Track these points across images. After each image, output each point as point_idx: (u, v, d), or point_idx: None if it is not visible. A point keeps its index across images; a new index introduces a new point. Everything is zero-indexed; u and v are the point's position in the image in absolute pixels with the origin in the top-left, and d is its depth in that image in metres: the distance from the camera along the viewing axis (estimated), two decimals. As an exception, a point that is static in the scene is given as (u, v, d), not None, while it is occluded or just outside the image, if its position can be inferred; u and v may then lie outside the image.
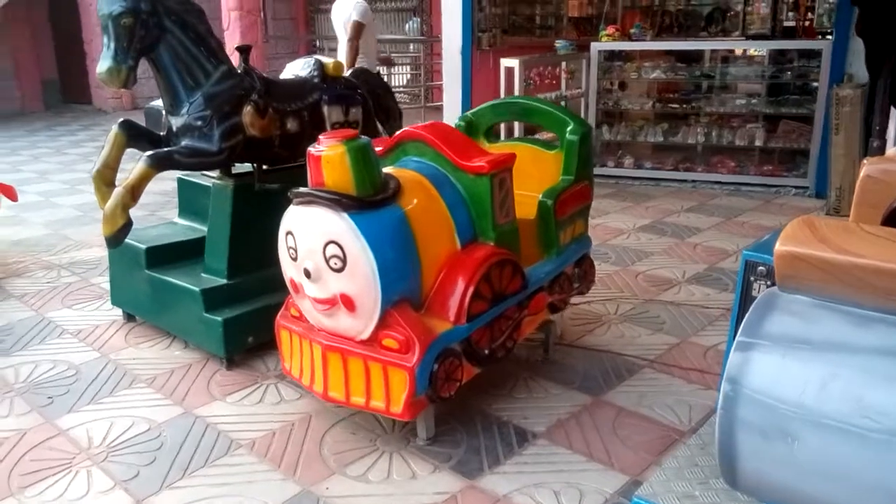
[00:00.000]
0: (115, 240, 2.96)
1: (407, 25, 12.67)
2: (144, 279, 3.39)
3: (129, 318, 3.66)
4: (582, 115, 6.70)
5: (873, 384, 1.30)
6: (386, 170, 2.53)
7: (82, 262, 4.63)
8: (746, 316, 1.50)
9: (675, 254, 4.56)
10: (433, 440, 2.56)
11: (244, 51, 3.31)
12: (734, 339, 1.46)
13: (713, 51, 6.73)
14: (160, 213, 5.57)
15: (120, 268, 3.58)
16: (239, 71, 3.16)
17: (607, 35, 6.58)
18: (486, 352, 2.59)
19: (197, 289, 3.14)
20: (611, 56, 6.66)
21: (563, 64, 6.61)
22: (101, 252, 4.77)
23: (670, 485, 1.88)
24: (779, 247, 1.47)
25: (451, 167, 2.61)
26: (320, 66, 3.50)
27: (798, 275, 1.46)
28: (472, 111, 3.39)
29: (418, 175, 2.58)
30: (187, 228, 3.66)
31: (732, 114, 6.52)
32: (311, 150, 2.37)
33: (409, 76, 12.07)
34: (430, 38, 11.34)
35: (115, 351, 3.35)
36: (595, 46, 6.45)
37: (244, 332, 3.14)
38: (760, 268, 2.20)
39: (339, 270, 2.29)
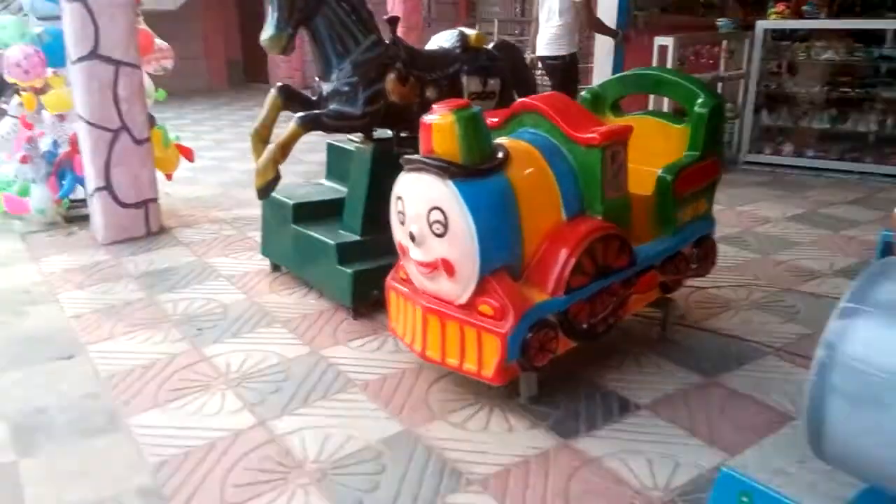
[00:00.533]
0: (265, 192, 3.26)
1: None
2: (290, 233, 3.69)
3: (276, 268, 4.00)
4: (740, 98, 6.34)
5: (976, 356, 1.20)
6: (500, 140, 2.58)
7: (243, 218, 5.09)
8: (855, 282, 1.43)
9: (824, 245, 4.24)
10: (535, 400, 2.61)
11: (393, 22, 3.48)
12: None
13: (897, 31, 6.10)
14: (317, 178, 5.95)
15: (270, 222, 3.92)
16: (387, 41, 3.34)
17: (776, 13, 6.16)
18: (585, 326, 2.58)
19: (333, 242, 3.37)
20: (779, 36, 6.23)
21: (724, 43, 6.27)
22: (259, 211, 5.22)
23: (765, 460, 1.81)
24: None
25: (563, 138, 2.61)
26: (463, 37, 3.62)
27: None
28: (599, 83, 3.33)
29: (530, 146, 2.60)
30: (332, 189, 3.92)
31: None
32: (424, 118, 2.45)
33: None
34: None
35: (259, 295, 3.68)
36: (761, 25, 6.06)
37: (370, 286, 3.32)
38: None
39: (441, 235, 2.37)
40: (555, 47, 5.82)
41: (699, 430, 2.43)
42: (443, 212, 2.35)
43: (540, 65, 6.01)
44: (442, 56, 3.57)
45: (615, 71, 6.70)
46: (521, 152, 2.55)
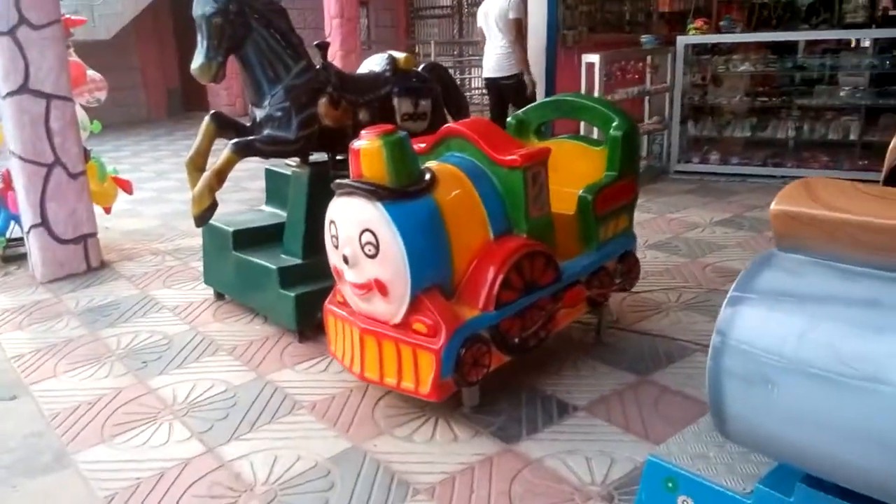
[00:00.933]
0: (202, 219, 3.29)
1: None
2: (232, 260, 3.72)
3: (219, 296, 4.01)
4: (666, 110, 6.62)
5: (852, 333, 1.34)
6: (427, 164, 2.68)
7: (185, 248, 5.08)
8: (741, 274, 1.56)
9: (749, 247, 4.47)
10: (478, 409, 2.70)
11: (323, 48, 3.57)
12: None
13: (809, 42, 6.48)
14: (259, 205, 5.97)
15: (211, 250, 3.94)
16: (317, 66, 3.43)
17: (695, 28, 6.48)
18: (516, 340, 2.67)
19: (274, 267, 3.42)
20: (701, 50, 6.55)
21: (648, 59, 6.56)
22: (202, 240, 5.22)
23: (686, 446, 1.94)
24: (773, 206, 1.52)
25: (487, 161, 2.72)
26: (392, 60, 3.73)
27: (792, 233, 1.51)
28: (522, 110, 3.49)
29: (456, 169, 2.70)
30: (272, 214, 3.96)
31: (827, 107, 6.26)
32: (353, 144, 2.53)
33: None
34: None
35: (203, 324, 3.69)
36: (681, 40, 6.37)
37: (315, 308, 3.36)
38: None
39: (373, 257, 2.44)
40: (505, 67, 5.97)
41: (633, 426, 2.56)
42: (373, 233, 2.43)
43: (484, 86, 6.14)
44: (372, 79, 3.67)
45: (547, 88, 6.95)
46: (447, 175, 2.65)
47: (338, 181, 2.57)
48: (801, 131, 6.19)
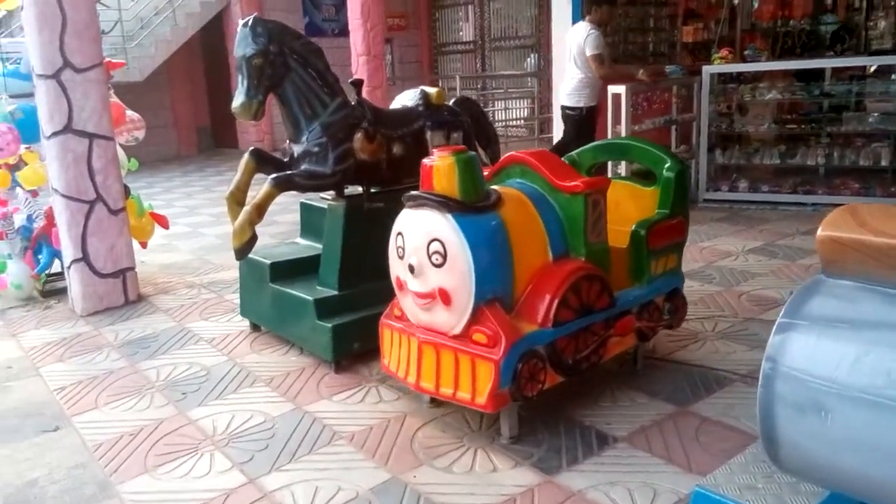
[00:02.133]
0: (243, 252, 3.36)
1: (527, 62, 13.00)
2: (268, 292, 3.77)
3: (255, 328, 4.07)
4: (693, 138, 6.64)
5: (905, 359, 1.33)
6: (491, 187, 2.77)
7: (220, 281, 5.16)
8: (789, 300, 1.57)
9: (783, 275, 4.43)
10: (516, 440, 2.70)
11: (357, 84, 3.66)
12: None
13: (836, 69, 6.48)
14: (293, 238, 6.04)
15: (248, 282, 4.00)
16: (352, 102, 3.51)
17: (720, 58, 6.51)
18: (570, 361, 2.72)
19: (311, 298, 3.46)
20: (725, 79, 6.58)
21: (674, 88, 6.60)
22: (237, 273, 5.27)
23: (734, 477, 1.92)
24: (820, 232, 1.53)
25: (548, 187, 2.84)
26: (425, 95, 3.80)
27: (839, 259, 1.52)
28: (575, 152, 3.55)
29: (518, 192, 2.82)
30: (307, 247, 4.02)
31: (857, 133, 6.23)
32: (426, 161, 2.66)
33: (526, 110, 12.33)
34: (550, 72, 11.56)
35: (240, 356, 3.74)
36: (707, 69, 6.40)
37: (351, 339, 3.42)
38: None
39: (440, 266, 2.53)
40: (574, 98, 6.18)
41: (675, 457, 2.54)
42: (442, 242, 2.52)
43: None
44: (405, 114, 3.75)
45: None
46: (511, 197, 2.76)
47: (409, 193, 2.67)
48: (830, 158, 6.16)
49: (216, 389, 3.36)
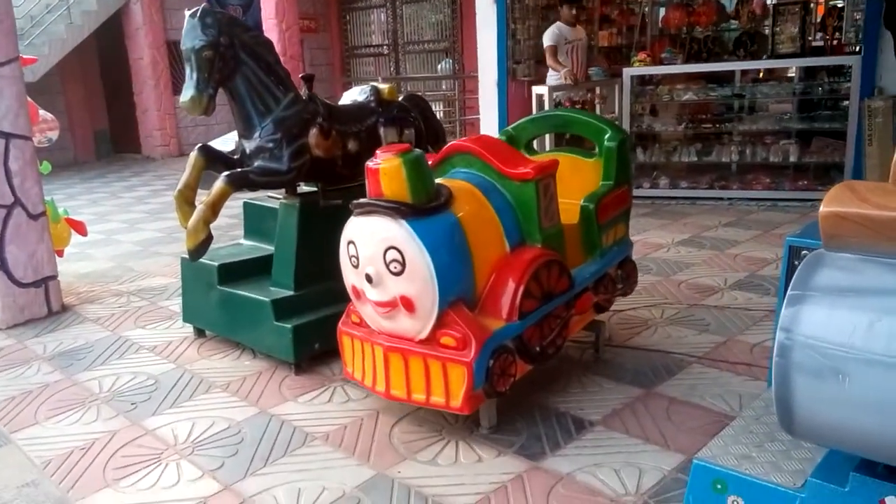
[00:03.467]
0: (198, 253, 3.21)
1: (439, 66, 13.09)
2: (216, 295, 3.62)
3: (200, 333, 3.89)
4: (616, 138, 6.88)
5: (916, 321, 1.44)
6: (437, 181, 2.71)
7: (148, 288, 4.90)
8: (795, 274, 1.65)
9: (715, 264, 4.67)
10: (495, 429, 2.71)
11: (309, 79, 3.57)
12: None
13: (744, 72, 6.89)
14: (231, 233, 5.79)
15: (192, 286, 3.82)
16: (304, 97, 3.43)
17: (639, 61, 6.79)
18: (538, 349, 2.73)
19: (267, 300, 3.35)
20: (643, 81, 6.87)
21: (596, 90, 6.83)
22: (165, 280, 5.07)
23: (728, 448, 2.00)
24: (823, 208, 1.62)
25: (497, 175, 2.78)
26: (376, 91, 3.76)
27: (841, 233, 1.61)
28: (512, 126, 3.56)
29: (467, 184, 2.75)
30: (252, 248, 3.89)
31: (765, 131, 6.65)
32: (370, 163, 2.54)
33: (441, 112, 12.41)
34: (464, 76, 11.70)
35: (189, 362, 3.57)
36: (627, 72, 6.67)
37: (311, 339, 3.33)
38: (804, 252, 2.34)
39: (399, 274, 2.45)
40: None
41: (652, 437, 2.62)
42: (399, 251, 2.43)
43: None
44: (359, 109, 3.69)
45: (500, 120, 7.12)
46: (460, 190, 2.69)
47: (357, 200, 2.56)
48: (743, 155, 6.54)
49: (169, 398, 3.19)
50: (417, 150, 2.56)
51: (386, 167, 2.48)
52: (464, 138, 3.03)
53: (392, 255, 2.44)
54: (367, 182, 2.56)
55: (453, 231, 2.53)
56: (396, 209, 2.44)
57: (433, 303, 2.45)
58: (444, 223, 2.51)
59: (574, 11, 6.96)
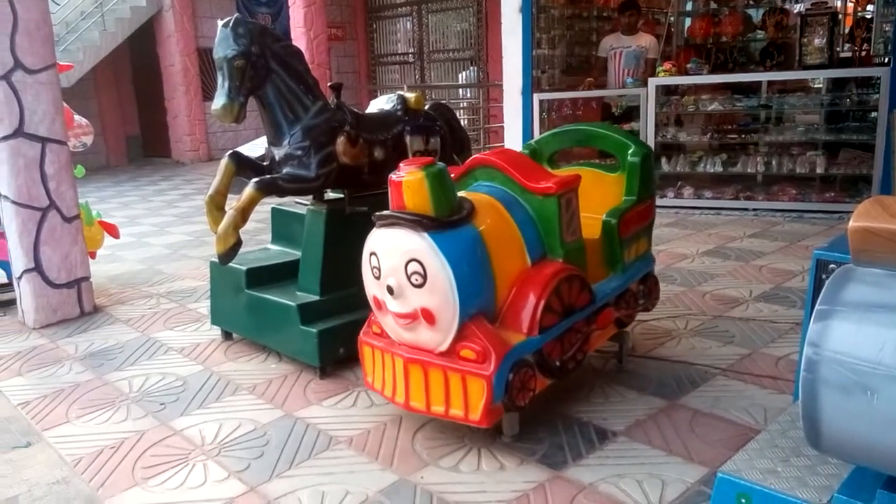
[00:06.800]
0: (227, 257, 3.27)
1: (462, 75, 13.16)
2: (244, 299, 3.68)
3: (227, 336, 3.95)
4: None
5: (945, 339, 1.43)
6: (459, 194, 2.73)
7: (178, 291, 4.99)
8: (823, 288, 1.66)
9: (740, 275, 4.65)
10: (517, 438, 2.72)
11: (337, 88, 3.63)
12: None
13: (770, 82, 6.85)
14: (258, 237, 5.87)
15: (221, 290, 3.89)
16: (332, 106, 3.48)
17: (664, 70, 6.77)
18: (558, 363, 2.72)
19: (293, 304, 3.40)
20: (668, 91, 6.85)
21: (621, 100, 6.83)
22: (194, 283, 5.16)
23: (753, 462, 2.00)
24: (852, 223, 1.62)
25: (519, 189, 2.79)
26: (403, 100, 3.81)
27: (871, 248, 1.61)
28: (535, 139, 3.59)
29: (490, 198, 2.76)
30: (281, 252, 3.95)
31: (792, 142, 6.60)
32: (393, 176, 2.56)
33: (465, 120, 12.48)
34: (489, 84, 11.75)
35: (216, 364, 3.63)
36: (652, 81, 6.65)
37: (336, 344, 3.37)
38: (832, 265, 2.33)
39: (420, 286, 2.46)
40: None
41: (675, 448, 2.62)
42: (421, 263, 2.45)
43: None
44: (385, 118, 3.74)
45: (525, 129, 7.14)
46: (483, 204, 2.70)
47: (379, 212, 2.59)
48: (769, 166, 6.49)
49: (197, 399, 3.25)
50: (440, 164, 2.58)
51: (409, 180, 2.50)
52: (486, 152, 3.05)
53: (414, 267, 2.46)
54: (389, 194, 2.59)
55: (475, 244, 2.54)
56: (419, 222, 2.46)
57: (454, 315, 2.47)
58: (465, 236, 2.52)
59: (628, 19, 7.12)
